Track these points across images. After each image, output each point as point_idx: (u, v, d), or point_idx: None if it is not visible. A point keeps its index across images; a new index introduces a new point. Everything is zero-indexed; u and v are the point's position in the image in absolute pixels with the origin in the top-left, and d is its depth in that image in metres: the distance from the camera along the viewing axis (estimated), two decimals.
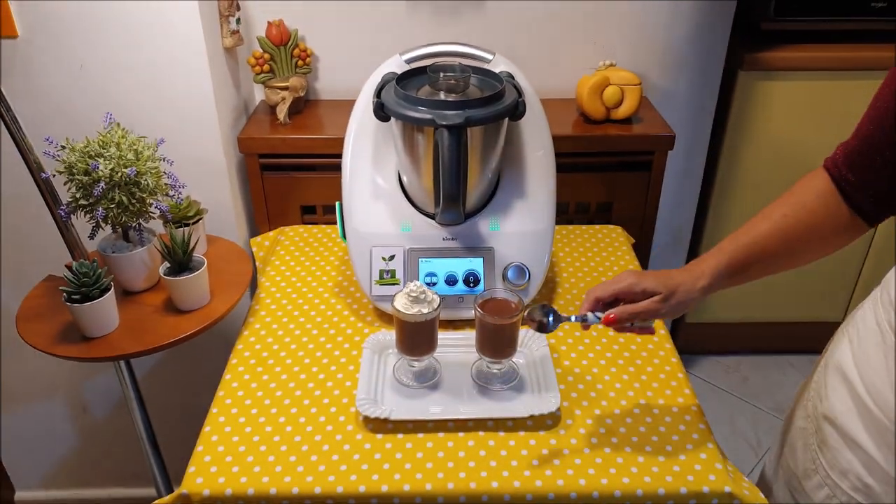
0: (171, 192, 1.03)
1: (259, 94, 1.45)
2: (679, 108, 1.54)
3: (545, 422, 0.90)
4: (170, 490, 1.30)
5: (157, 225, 1.11)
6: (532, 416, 0.89)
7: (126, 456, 1.57)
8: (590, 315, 0.80)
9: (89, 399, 1.50)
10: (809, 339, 2.08)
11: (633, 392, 0.96)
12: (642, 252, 1.43)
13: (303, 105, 1.41)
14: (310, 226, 1.34)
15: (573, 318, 0.82)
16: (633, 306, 0.78)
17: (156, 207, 1.02)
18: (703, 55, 1.49)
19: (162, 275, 1.01)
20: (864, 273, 1.90)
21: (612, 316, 0.79)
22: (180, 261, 1.00)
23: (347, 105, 1.12)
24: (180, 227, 1.11)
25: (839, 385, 0.79)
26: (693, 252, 1.87)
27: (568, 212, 1.39)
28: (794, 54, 1.58)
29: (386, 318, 1.09)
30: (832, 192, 0.77)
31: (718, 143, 1.68)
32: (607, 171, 1.36)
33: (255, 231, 1.42)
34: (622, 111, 1.33)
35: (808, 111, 1.63)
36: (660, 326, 1.09)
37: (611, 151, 1.33)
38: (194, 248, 1.02)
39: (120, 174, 0.95)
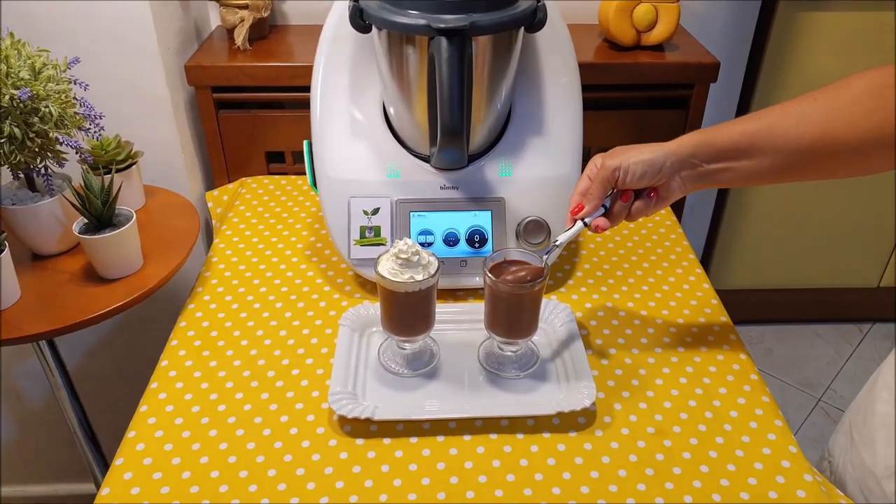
0: (86, 126, 0.79)
1: (215, 16, 1.20)
2: (715, 37, 1.30)
3: (576, 420, 0.70)
4: None
5: (77, 171, 0.88)
6: (560, 414, 0.68)
7: (69, 448, 1.35)
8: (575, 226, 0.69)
9: (23, 385, 1.28)
10: (840, 306, 1.92)
11: (687, 378, 0.75)
12: (676, 205, 1.21)
13: (267, 30, 1.16)
14: (277, 176, 1.11)
15: (559, 241, 0.70)
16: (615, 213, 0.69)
17: (67, 146, 0.78)
18: None
19: (75, 232, 0.78)
20: None
21: (599, 224, 0.69)
22: (98, 214, 0.77)
23: (321, 31, 0.88)
24: (109, 173, 0.88)
25: None
26: (721, 203, 1.65)
27: (588, 158, 1.16)
28: None
29: (369, 286, 0.88)
30: (890, 90, 0.56)
31: (753, 81, 1.45)
32: (636, 109, 1.13)
33: (211, 183, 1.19)
34: (656, 35, 1.10)
35: (852, 45, 1.41)
36: (710, 296, 0.88)
37: (641, 84, 1.10)
38: (116, 197, 0.79)
39: (8, 97, 0.71)
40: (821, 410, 1.67)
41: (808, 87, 0.62)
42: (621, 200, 0.68)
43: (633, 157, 0.65)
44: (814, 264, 1.77)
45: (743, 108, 1.48)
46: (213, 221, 1.08)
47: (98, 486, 1.09)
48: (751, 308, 1.90)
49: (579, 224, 0.68)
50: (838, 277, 1.81)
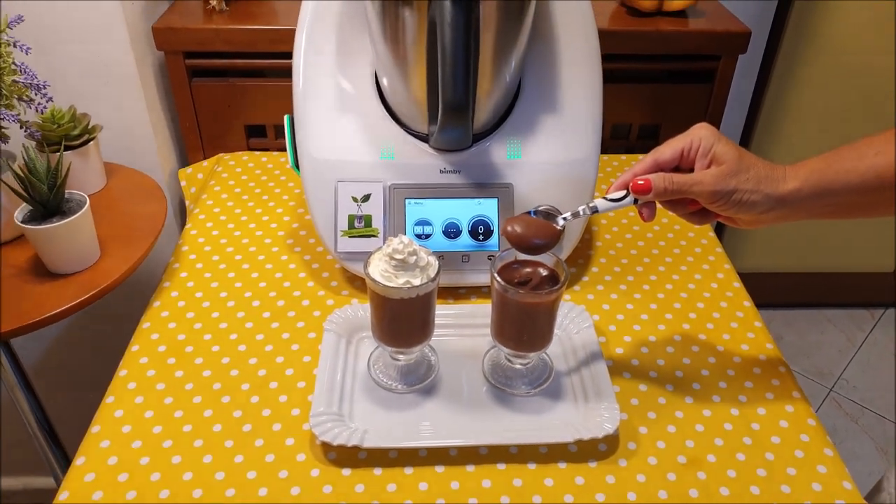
0: (31, 96, 0.68)
1: None
2: (739, 3, 1.19)
3: (597, 447, 0.60)
4: None
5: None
6: (578, 441, 0.59)
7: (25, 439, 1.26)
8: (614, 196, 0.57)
9: None
10: (852, 291, 1.83)
11: (720, 396, 0.66)
12: None
13: None
14: (258, 152, 1.00)
15: (598, 206, 0.58)
16: (679, 175, 0.55)
17: (6, 119, 0.67)
18: None
19: (17, 222, 0.67)
20: None
21: (640, 183, 0.55)
22: (45, 201, 0.67)
23: None
24: (65, 150, 0.77)
25: None
26: None
27: (602, 137, 1.06)
28: None
29: (359, 283, 0.78)
30: None
31: (773, 50, 1.34)
32: (656, 83, 1.03)
33: (185, 161, 1.07)
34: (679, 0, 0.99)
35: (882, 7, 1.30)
36: (732, 278, 0.79)
37: (662, 55, 0.99)
38: (65, 180, 0.68)
39: None
40: (832, 401, 1.60)
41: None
42: (688, 206, 0.58)
43: (742, 194, 0.53)
44: (825, 247, 1.69)
45: (762, 80, 1.38)
46: (187, 203, 0.98)
47: (58, 479, 1.00)
48: (758, 292, 1.78)
49: (629, 200, 0.56)
50: (850, 261, 1.73)
